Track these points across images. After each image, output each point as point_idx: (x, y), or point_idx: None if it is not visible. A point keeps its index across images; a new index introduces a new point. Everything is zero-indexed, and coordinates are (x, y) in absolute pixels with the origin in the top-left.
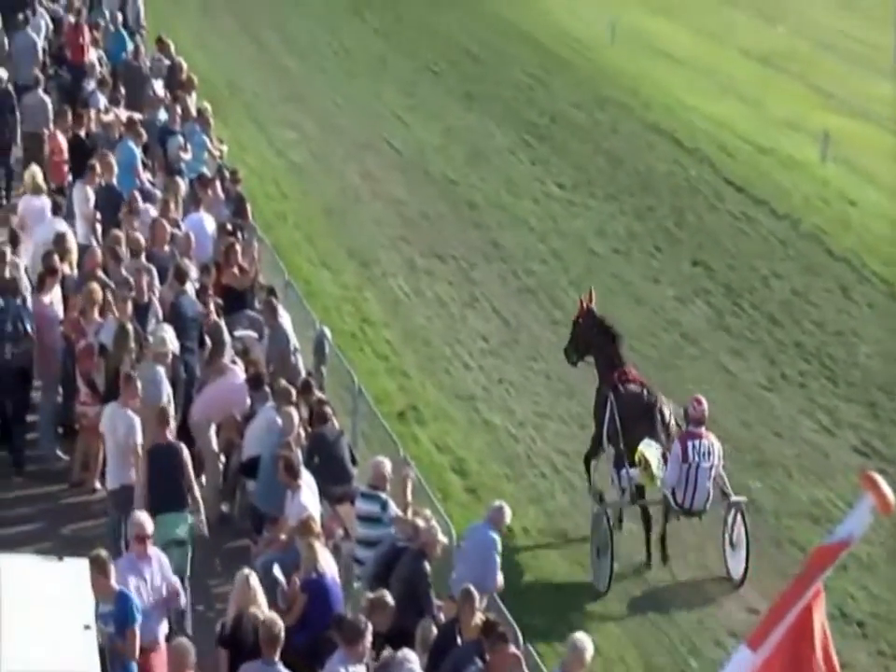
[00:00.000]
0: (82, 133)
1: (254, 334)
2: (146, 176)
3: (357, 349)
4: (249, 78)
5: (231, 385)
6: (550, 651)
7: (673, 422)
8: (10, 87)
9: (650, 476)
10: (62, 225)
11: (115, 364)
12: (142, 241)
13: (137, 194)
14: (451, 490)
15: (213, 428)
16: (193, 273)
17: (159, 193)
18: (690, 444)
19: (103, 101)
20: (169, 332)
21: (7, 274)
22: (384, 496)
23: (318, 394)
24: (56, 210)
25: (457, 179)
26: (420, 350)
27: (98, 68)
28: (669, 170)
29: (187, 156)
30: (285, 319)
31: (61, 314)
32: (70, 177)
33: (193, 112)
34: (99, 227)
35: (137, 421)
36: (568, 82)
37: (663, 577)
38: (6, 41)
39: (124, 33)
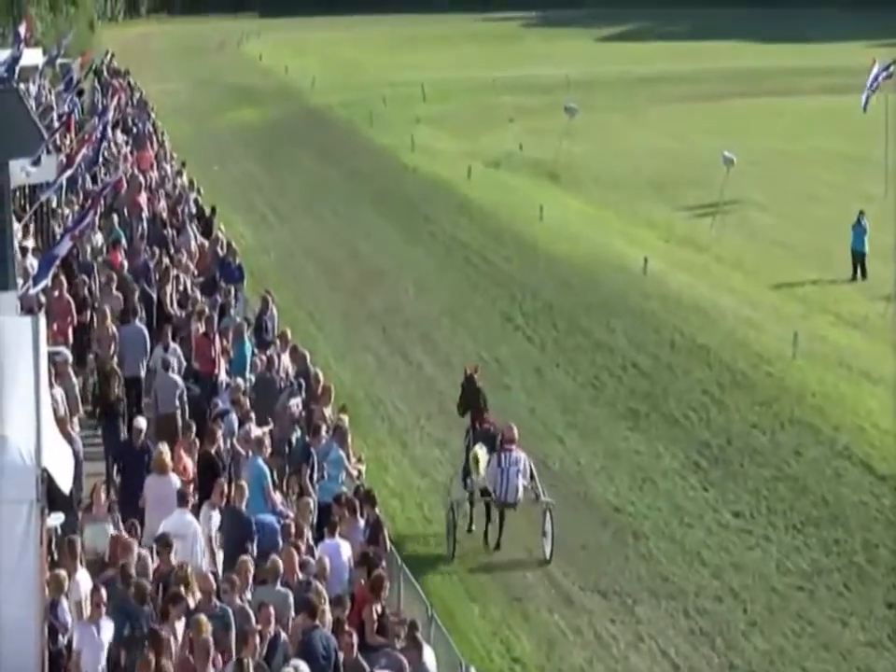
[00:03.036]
0: (212, 451)
1: None
2: (277, 497)
3: None
4: (392, 392)
5: None
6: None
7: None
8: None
9: (476, 469)
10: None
11: None
12: (280, 567)
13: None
14: None
15: None
16: (327, 605)
17: (291, 515)
18: (503, 455)
19: (235, 417)
20: (300, 670)
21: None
22: None
23: None
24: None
25: (621, 505)
26: None
27: (228, 380)
28: (860, 499)
29: (322, 475)
30: (428, 657)
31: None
32: (196, 498)
33: (330, 427)
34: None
35: None
36: (746, 400)
37: (500, 555)
38: (115, 332)
39: (249, 342)
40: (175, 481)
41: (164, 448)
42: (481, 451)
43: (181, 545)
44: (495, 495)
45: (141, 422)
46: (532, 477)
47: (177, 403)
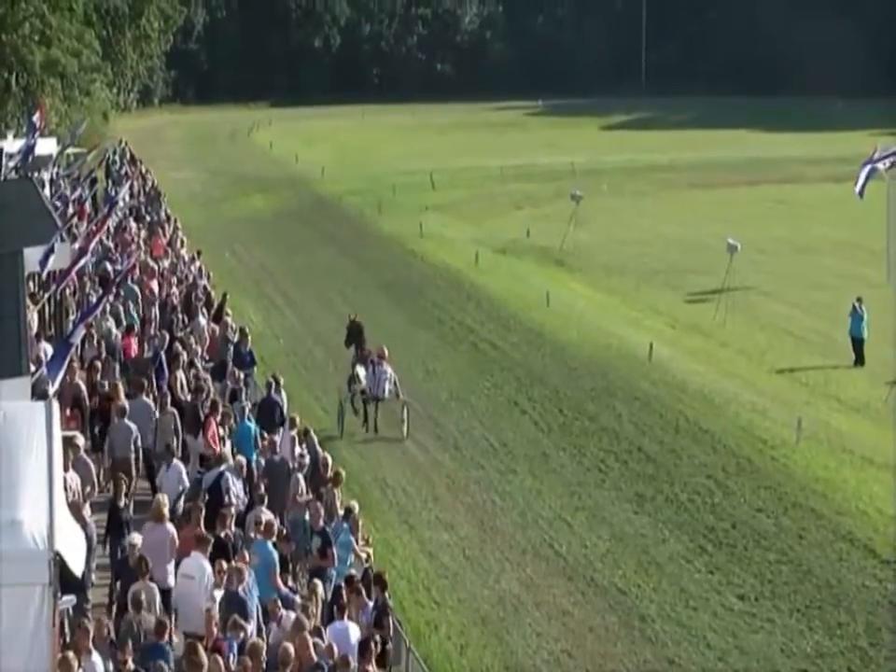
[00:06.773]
0: (223, 535)
1: None
2: (287, 581)
3: None
4: (400, 475)
5: None
6: None
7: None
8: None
9: (358, 380)
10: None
11: None
12: (291, 652)
13: (277, 600)
14: None
15: None
16: None
17: (298, 599)
18: (375, 367)
19: (242, 497)
20: None
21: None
22: None
23: None
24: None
25: (627, 589)
26: None
27: (232, 461)
28: (863, 583)
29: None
30: None
31: None
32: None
33: (339, 510)
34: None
35: None
36: (751, 484)
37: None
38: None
39: (254, 425)
40: (171, 530)
41: (162, 497)
42: (360, 370)
43: (188, 585)
44: (370, 392)
45: (136, 538)
46: (395, 383)
47: (132, 448)
